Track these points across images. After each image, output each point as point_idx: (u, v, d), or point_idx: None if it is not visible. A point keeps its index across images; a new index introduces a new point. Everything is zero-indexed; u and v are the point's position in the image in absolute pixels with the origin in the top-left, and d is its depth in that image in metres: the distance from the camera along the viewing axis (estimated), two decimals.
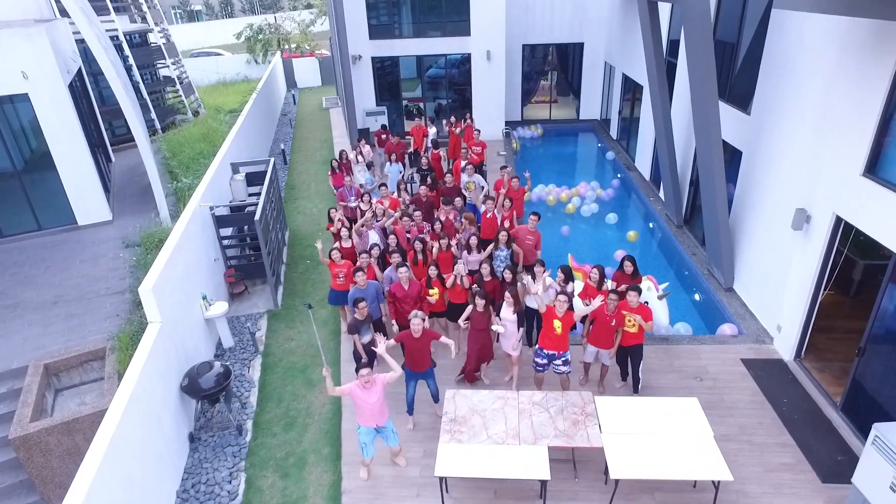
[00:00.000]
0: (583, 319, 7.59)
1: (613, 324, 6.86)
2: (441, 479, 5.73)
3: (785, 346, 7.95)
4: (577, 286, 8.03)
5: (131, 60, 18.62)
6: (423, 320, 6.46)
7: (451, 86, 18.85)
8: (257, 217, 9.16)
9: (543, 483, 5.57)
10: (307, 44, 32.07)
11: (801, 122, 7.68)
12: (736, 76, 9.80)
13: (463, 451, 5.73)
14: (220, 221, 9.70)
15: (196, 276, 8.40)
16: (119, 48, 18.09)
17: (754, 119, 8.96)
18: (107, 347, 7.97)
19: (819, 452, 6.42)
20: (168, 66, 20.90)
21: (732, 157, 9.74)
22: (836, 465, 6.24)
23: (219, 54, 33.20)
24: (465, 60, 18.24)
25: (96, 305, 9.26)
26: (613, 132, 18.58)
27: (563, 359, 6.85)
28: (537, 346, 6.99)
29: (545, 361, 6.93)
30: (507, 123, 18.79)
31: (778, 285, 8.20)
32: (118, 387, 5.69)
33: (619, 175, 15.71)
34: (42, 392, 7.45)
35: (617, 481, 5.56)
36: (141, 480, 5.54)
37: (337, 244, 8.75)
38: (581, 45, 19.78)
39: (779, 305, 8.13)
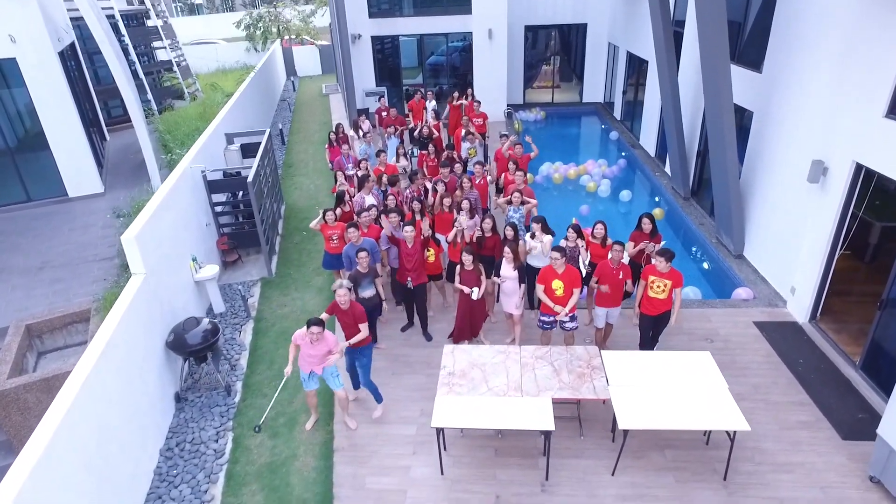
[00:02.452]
0: (587, 280, 7.26)
1: (621, 276, 6.52)
2: (438, 433, 5.40)
3: (799, 307, 7.60)
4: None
5: (127, 40, 18.36)
6: (349, 290, 6.05)
7: (453, 72, 18.53)
8: (250, 179, 8.84)
9: (547, 436, 5.23)
10: (307, 33, 31.79)
11: (816, 72, 7.34)
12: (747, 36, 9.46)
13: (462, 403, 5.40)
14: (212, 186, 9.39)
15: (185, 237, 8.08)
16: (115, 28, 17.83)
17: (766, 77, 8.62)
18: (91, 309, 7.66)
19: (838, 411, 6.07)
20: (165, 48, 20.62)
21: (742, 119, 9.40)
22: (857, 423, 5.89)
23: (216, 43, 32.92)
24: (466, 48, 17.94)
25: (83, 271, 8.97)
26: (617, 113, 18.24)
27: (568, 315, 6.50)
28: (540, 310, 6.64)
29: (551, 319, 6.57)
30: (508, 106, 18.46)
31: (791, 247, 7.85)
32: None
33: (623, 154, 15.37)
34: (23, 352, 7.13)
35: (625, 434, 5.22)
36: (119, 435, 5.21)
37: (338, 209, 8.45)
38: (584, 27, 19.44)
39: (792, 267, 7.79)
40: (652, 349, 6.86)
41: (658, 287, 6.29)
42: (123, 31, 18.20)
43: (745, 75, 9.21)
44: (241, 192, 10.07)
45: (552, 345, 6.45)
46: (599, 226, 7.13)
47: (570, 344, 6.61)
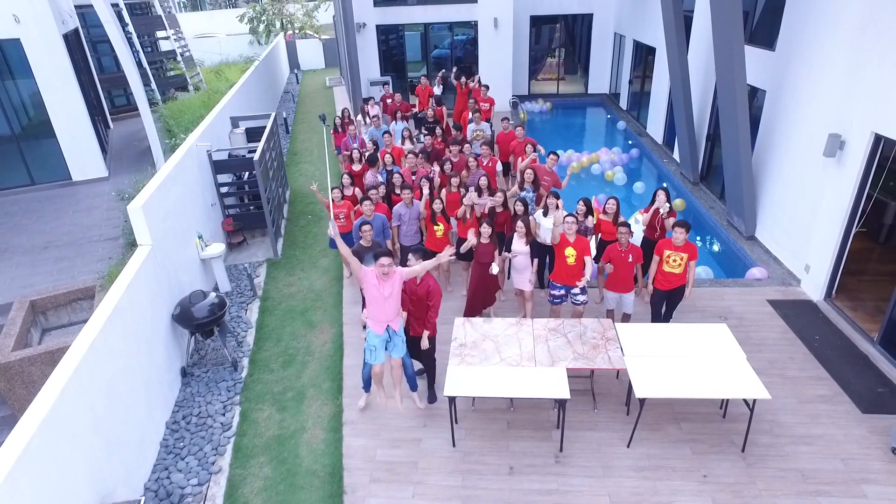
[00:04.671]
0: (597, 258, 7.15)
1: (630, 260, 6.39)
2: (450, 401, 5.29)
3: (814, 285, 7.49)
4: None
5: (131, 29, 18.26)
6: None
7: (457, 64, 18.39)
8: (256, 158, 8.74)
9: (562, 405, 5.12)
10: (311, 28, 31.70)
11: (834, 44, 7.22)
12: (760, 13, 9.34)
13: (474, 373, 5.29)
14: (218, 167, 9.30)
15: (191, 214, 7.98)
16: (119, 16, 17.74)
17: (780, 54, 8.51)
18: (97, 286, 7.56)
19: (857, 385, 5.95)
20: (169, 38, 20.52)
21: (754, 100, 9.28)
22: (878, 397, 5.78)
23: (218, 36, 32.81)
24: (471, 40, 17.83)
25: (88, 250, 8.88)
26: (623, 103, 18.12)
27: (580, 287, 6.39)
28: (550, 280, 6.55)
29: (562, 293, 6.47)
30: (513, 96, 18.34)
31: (805, 224, 7.74)
32: None
33: (630, 142, 15.26)
34: (27, 328, 7.03)
35: (642, 403, 5.10)
36: (126, 403, 5.12)
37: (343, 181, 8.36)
38: (590, 17, 19.33)
39: (807, 245, 7.68)
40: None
41: (674, 261, 6.18)
42: (128, 19, 18.10)
43: (757, 55, 9.09)
44: (246, 174, 9.99)
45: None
46: (612, 201, 7.02)
47: (580, 316, 6.50)
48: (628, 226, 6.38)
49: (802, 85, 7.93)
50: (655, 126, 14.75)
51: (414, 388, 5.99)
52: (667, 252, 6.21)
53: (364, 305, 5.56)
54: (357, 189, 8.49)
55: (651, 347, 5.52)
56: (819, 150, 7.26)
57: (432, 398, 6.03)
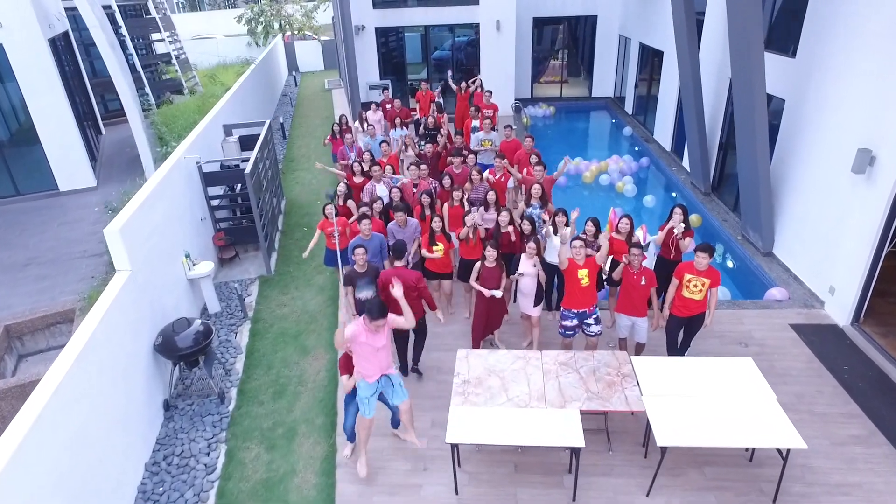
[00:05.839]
0: (609, 280, 6.71)
1: (643, 283, 5.94)
2: (453, 448, 4.84)
3: (840, 309, 7.03)
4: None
5: (124, 32, 17.83)
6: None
7: (458, 67, 17.94)
8: (248, 171, 8.29)
9: (575, 452, 4.68)
10: (309, 29, 31.25)
11: (862, 52, 6.76)
12: (776, 17, 8.88)
13: (479, 415, 4.84)
14: (208, 179, 8.86)
15: (178, 232, 7.55)
16: (112, 18, 17.32)
17: (801, 61, 8.05)
18: (76, 308, 7.13)
19: (893, 423, 5.50)
20: (164, 41, 20.09)
21: (771, 108, 8.81)
22: None
23: (216, 38, 32.40)
24: (472, 43, 17.37)
25: (71, 268, 8.44)
26: (629, 108, 17.65)
27: (594, 316, 5.94)
28: (562, 308, 6.06)
29: (574, 324, 5.99)
30: (516, 100, 17.88)
31: (829, 242, 7.28)
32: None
33: (637, 148, 14.81)
34: (0, 355, 6.61)
35: (663, 452, 4.65)
36: (99, 448, 4.68)
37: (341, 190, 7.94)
38: (594, 18, 18.85)
39: (831, 265, 7.22)
40: (682, 355, 6.30)
41: (694, 286, 5.73)
42: (120, 21, 17.67)
43: (775, 61, 8.62)
44: (238, 185, 9.55)
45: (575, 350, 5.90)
46: (625, 220, 6.57)
47: (594, 347, 6.05)
48: (641, 247, 5.93)
49: (826, 94, 7.47)
50: (663, 132, 14.29)
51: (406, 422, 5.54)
52: (687, 276, 5.76)
53: (343, 372, 5.05)
54: (353, 201, 8.07)
55: (671, 385, 5.07)
56: (845, 164, 6.81)
57: (417, 360, 6.38)
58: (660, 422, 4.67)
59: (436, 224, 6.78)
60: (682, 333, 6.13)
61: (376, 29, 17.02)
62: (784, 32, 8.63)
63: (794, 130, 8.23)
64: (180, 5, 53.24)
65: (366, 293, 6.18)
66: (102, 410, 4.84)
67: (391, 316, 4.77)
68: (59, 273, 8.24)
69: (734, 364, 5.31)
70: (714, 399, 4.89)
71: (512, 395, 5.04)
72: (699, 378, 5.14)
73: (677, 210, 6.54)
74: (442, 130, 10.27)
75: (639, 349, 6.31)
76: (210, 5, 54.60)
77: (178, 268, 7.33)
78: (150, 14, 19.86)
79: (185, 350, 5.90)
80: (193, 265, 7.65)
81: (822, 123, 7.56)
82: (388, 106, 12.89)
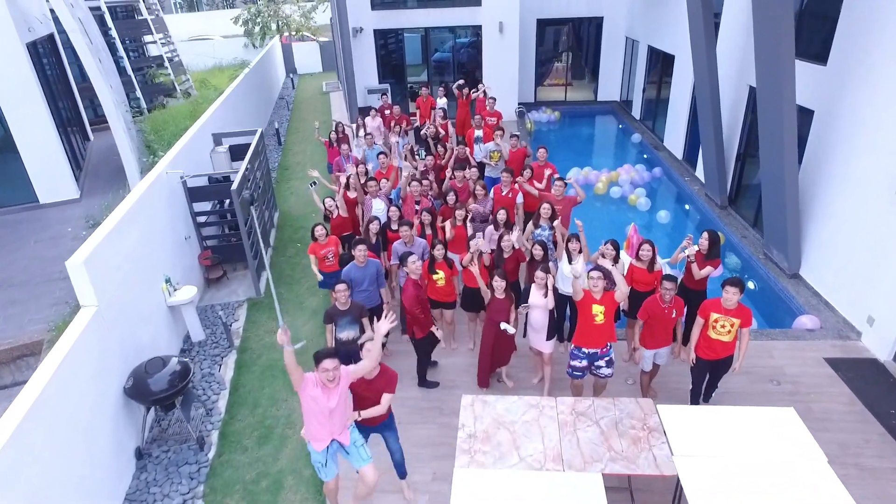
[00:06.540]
0: (627, 311, 6.13)
1: (674, 315, 5.36)
2: None
3: (880, 342, 6.43)
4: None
5: (114, 34, 17.21)
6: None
7: (459, 69, 17.35)
8: (234, 187, 7.69)
9: None
10: (307, 30, 30.62)
11: None
12: (805, 22, 8.27)
13: (487, 479, 4.24)
14: (193, 194, 8.27)
15: (158, 255, 6.95)
16: (101, 20, 16.71)
17: (832, 69, 7.44)
18: (45, 340, 6.54)
19: None
20: (156, 43, 19.47)
21: (799, 119, 8.21)
22: None
23: (212, 39, 31.80)
24: (473, 44, 16.78)
25: (45, 291, 7.85)
26: (636, 112, 17.04)
27: (606, 358, 5.36)
28: (573, 345, 5.46)
29: (585, 364, 5.40)
30: (519, 104, 17.28)
31: (867, 267, 6.69)
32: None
33: (646, 156, 14.20)
34: None
35: None
36: None
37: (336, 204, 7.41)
38: (600, 20, 18.25)
39: (869, 292, 6.62)
40: (707, 401, 5.72)
41: (722, 327, 5.13)
42: (110, 23, 17.05)
43: (803, 68, 8.00)
44: (227, 201, 8.96)
45: (591, 395, 5.31)
46: (647, 246, 5.96)
47: (602, 388, 5.49)
48: (675, 280, 5.32)
49: (860, 106, 6.87)
50: (674, 139, 13.68)
51: (403, 475, 4.94)
52: (714, 316, 5.15)
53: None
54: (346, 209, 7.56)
55: (704, 441, 4.46)
56: (884, 183, 6.23)
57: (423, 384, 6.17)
58: (695, 490, 4.06)
59: (437, 252, 6.16)
60: (707, 377, 5.54)
61: (375, 31, 16.42)
62: (814, 38, 8.03)
63: (825, 144, 7.62)
64: (178, 5, 52.71)
65: (348, 333, 5.58)
66: (59, 470, 4.25)
67: (349, 368, 4.06)
68: (31, 297, 7.65)
69: (774, 415, 4.70)
70: (754, 458, 4.29)
71: (525, 455, 4.43)
72: (736, 432, 4.53)
73: (704, 236, 5.95)
74: (448, 144, 9.66)
75: (654, 370, 5.79)
76: (208, 5, 54.04)
77: (157, 294, 6.74)
78: (141, 15, 19.23)
79: (159, 394, 5.30)
80: (174, 290, 7.05)
81: (856, 138, 6.96)
82: (387, 112, 12.31)
